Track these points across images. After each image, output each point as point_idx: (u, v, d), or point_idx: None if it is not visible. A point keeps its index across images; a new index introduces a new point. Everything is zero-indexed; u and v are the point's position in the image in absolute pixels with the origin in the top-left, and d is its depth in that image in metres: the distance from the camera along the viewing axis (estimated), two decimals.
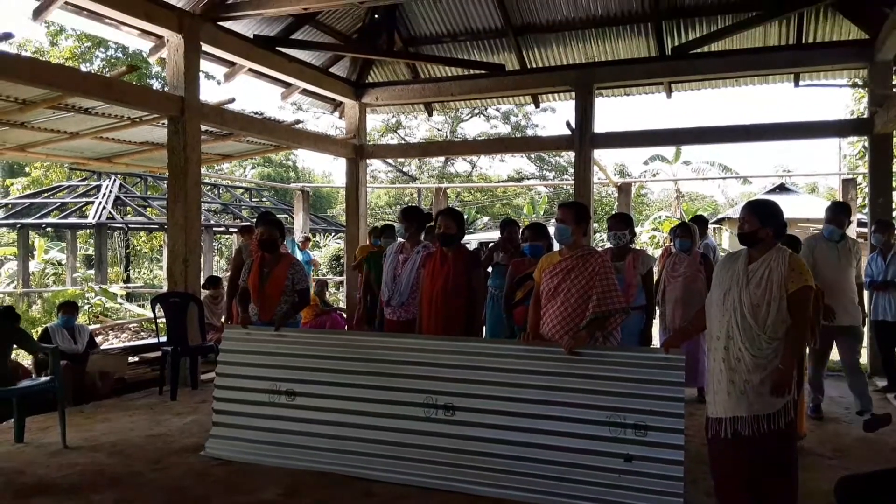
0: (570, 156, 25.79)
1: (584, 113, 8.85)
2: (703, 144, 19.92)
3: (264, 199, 21.99)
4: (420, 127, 30.07)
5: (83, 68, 18.67)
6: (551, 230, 4.77)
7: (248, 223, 7.78)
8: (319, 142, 9.88)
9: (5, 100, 6.38)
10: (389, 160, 29.25)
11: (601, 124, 9.09)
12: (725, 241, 24.80)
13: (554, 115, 30.13)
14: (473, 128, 34.18)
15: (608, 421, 3.67)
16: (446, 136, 29.49)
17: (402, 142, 27.59)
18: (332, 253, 21.14)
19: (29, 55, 10.72)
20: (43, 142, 7.94)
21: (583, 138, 8.82)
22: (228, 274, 6.60)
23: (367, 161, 10.56)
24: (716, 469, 3.27)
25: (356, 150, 10.24)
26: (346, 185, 10.49)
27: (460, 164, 31.27)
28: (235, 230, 6.56)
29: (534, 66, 9.50)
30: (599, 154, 9.52)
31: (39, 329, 7.10)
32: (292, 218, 15.02)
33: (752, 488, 3.10)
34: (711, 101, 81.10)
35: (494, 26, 9.34)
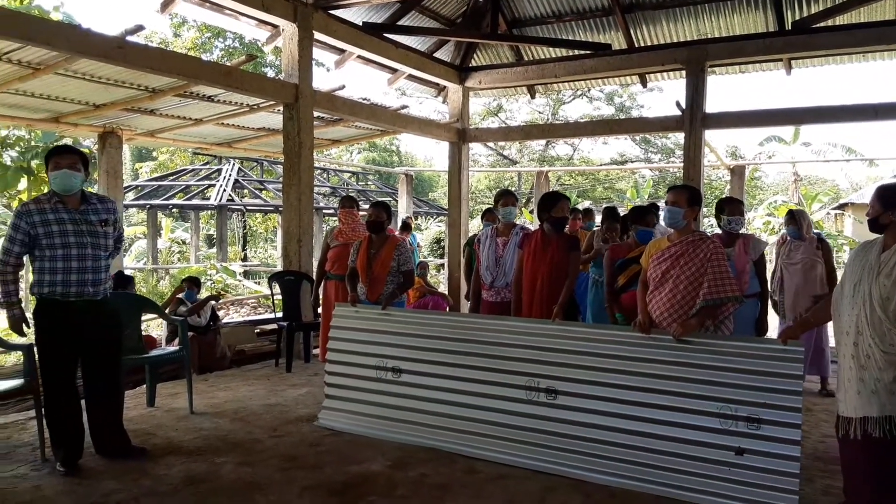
0: (677, 137, 24.86)
1: (696, 92, 8.51)
2: (824, 124, 18.59)
3: (370, 183, 22.56)
4: (521, 110, 29.80)
5: (204, 58, 19.77)
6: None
7: (350, 195, 8.03)
8: (424, 126, 10.03)
9: (137, 88, 6.89)
10: (490, 144, 29.22)
11: (712, 104, 8.68)
12: (848, 228, 23.18)
13: (661, 95, 29.12)
14: (575, 110, 33.53)
15: (718, 412, 3.56)
16: (548, 119, 29.10)
17: (504, 125, 27.45)
18: (434, 236, 21.46)
19: (156, 46, 11.45)
20: (170, 128, 8.53)
21: (693, 119, 8.49)
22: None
23: (469, 145, 10.63)
24: (846, 470, 3.11)
25: (459, 134, 10.33)
26: (449, 168, 10.61)
27: (561, 147, 30.76)
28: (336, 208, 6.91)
29: (642, 44, 9.21)
30: (710, 135, 9.11)
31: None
32: (396, 201, 15.37)
33: (884, 493, 2.92)
34: (834, 78, 75.46)
35: (601, 4, 9.12)
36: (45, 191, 4.22)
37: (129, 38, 5.64)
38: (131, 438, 4.18)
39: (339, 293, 6.10)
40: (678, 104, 8.59)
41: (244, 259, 18.49)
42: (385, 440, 4.39)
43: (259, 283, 15.29)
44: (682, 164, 8.83)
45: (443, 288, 11.42)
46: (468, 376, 4.31)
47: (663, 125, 9.50)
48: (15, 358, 7.13)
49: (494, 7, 9.30)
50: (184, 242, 19.45)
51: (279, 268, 15.60)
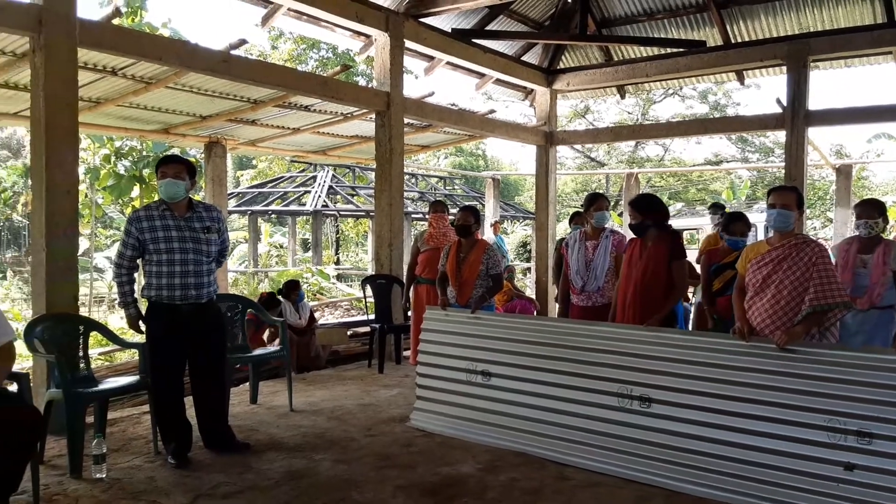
0: (776, 136, 23.70)
1: (797, 88, 8.11)
2: None
3: (456, 187, 22.75)
4: (609, 111, 29.26)
5: (299, 69, 20.52)
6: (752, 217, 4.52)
7: (440, 199, 8.16)
8: (511, 130, 10.04)
9: (240, 100, 7.25)
10: (577, 146, 28.83)
11: (814, 100, 8.25)
12: None
13: (758, 92, 27.67)
14: (667, 109, 32.51)
15: (826, 426, 3.39)
16: (637, 119, 28.42)
17: (591, 127, 27.02)
18: (520, 240, 21.39)
19: (255, 58, 11.97)
20: (270, 137, 8.92)
21: (795, 116, 8.10)
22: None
23: (556, 147, 10.56)
24: None
25: (546, 137, 10.27)
26: (536, 172, 10.56)
27: (651, 148, 29.96)
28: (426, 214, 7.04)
29: (739, 40, 8.87)
30: (812, 133, 8.66)
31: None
32: (483, 205, 15.43)
33: None
34: None
35: (694, 1, 8.85)
36: (156, 198, 4.51)
37: (233, 51, 5.95)
38: (236, 434, 4.39)
39: (430, 297, 6.19)
40: (779, 101, 8.23)
41: (337, 262, 19.08)
42: (475, 443, 4.43)
43: (351, 286, 15.72)
44: (782, 164, 8.46)
45: (529, 292, 11.38)
46: (558, 381, 4.28)
47: (762, 123, 9.11)
48: (129, 355, 7.63)
49: (583, 8, 9.20)
50: (281, 246, 20.28)
51: (370, 271, 15.92)
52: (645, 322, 4.28)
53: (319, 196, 16.34)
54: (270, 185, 18.86)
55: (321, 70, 20.76)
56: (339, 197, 17.71)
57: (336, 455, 4.23)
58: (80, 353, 4.27)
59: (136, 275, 4.22)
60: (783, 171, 8.35)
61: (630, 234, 4.81)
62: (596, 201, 5.28)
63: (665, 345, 3.97)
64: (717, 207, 7.79)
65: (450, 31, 8.39)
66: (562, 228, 15.55)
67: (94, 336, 5.97)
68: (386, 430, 4.76)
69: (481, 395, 4.59)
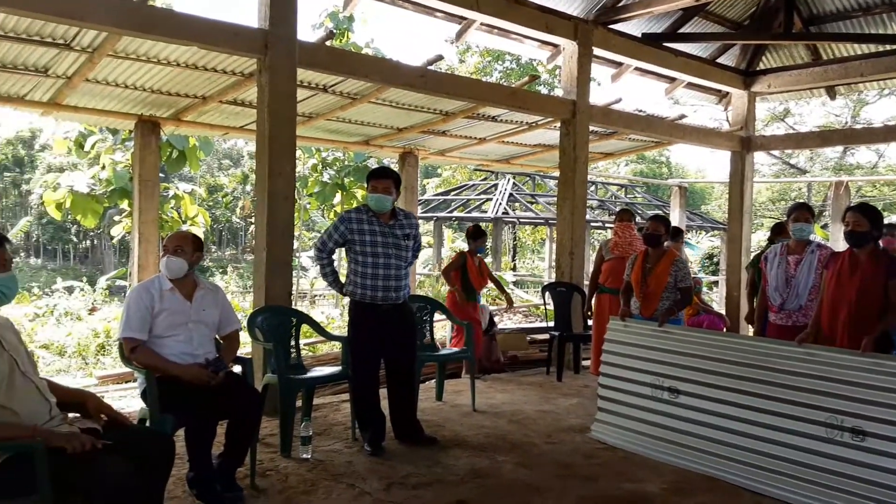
0: None
1: None
2: None
3: (637, 196, 22.06)
4: (812, 113, 26.78)
5: (484, 80, 21.07)
6: None
7: (627, 208, 7.97)
8: (703, 136, 9.58)
9: (432, 112, 7.63)
10: (775, 151, 26.68)
11: None
12: None
13: None
14: (881, 111, 29.12)
15: None
16: (846, 122, 25.71)
17: (791, 130, 24.90)
18: (706, 251, 20.23)
19: (444, 72, 12.48)
20: (458, 147, 9.28)
21: None
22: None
23: (753, 154, 9.90)
24: None
25: (743, 143, 9.67)
26: (730, 179, 9.96)
27: (862, 154, 26.96)
28: (611, 224, 6.83)
29: None
30: None
31: None
32: (666, 213, 14.82)
33: None
34: None
35: None
36: (354, 205, 4.89)
37: (429, 67, 6.29)
38: (424, 428, 4.64)
39: (612, 306, 6.10)
40: None
41: (514, 269, 19.31)
42: (660, 461, 4.30)
43: (528, 292, 15.83)
44: None
45: (715, 307, 10.74)
46: (754, 405, 4.03)
47: None
48: (329, 347, 8.31)
49: (788, 5, 8.54)
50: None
51: (547, 278, 15.90)
52: (862, 346, 3.90)
53: (500, 203, 16.66)
54: (454, 192, 19.55)
55: (505, 81, 21.14)
56: (517, 204, 17.91)
57: (517, 458, 4.32)
58: (293, 343, 4.74)
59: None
60: None
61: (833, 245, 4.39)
62: (795, 212, 4.90)
63: (883, 373, 3.60)
64: None
65: (640, 36, 8.19)
66: (756, 240, 14.49)
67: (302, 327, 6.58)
68: (566, 439, 4.77)
69: (668, 413, 4.44)
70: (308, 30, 17.82)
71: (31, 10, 4.30)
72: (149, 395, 3.31)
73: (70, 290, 12.53)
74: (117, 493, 2.35)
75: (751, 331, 6.13)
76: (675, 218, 13.02)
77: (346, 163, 12.94)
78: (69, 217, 12.82)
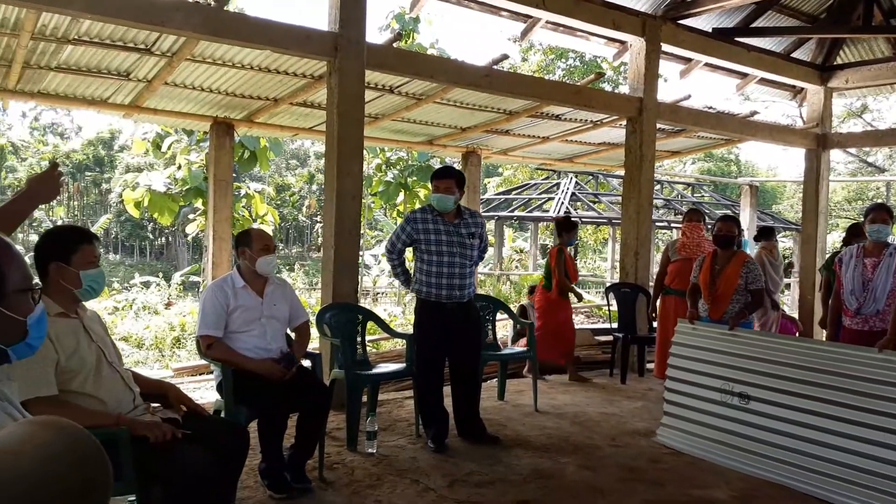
0: None
1: None
2: None
3: (705, 195, 21.49)
4: (892, 109, 25.63)
5: (547, 79, 20.92)
6: None
7: (696, 208, 7.76)
8: (776, 133, 9.25)
9: (496, 111, 7.63)
10: (851, 149, 25.51)
11: None
12: None
13: None
14: None
15: None
16: None
17: (869, 127, 23.75)
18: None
19: (507, 71, 12.42)
20: (521, 146, 9.26)
21: None
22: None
23: (829, 151, 9.51)
24: None
25: (818, 140, 9.30)
26: (805, 178, 9.61)
27: None
28: (677, 224, 6.59)
29: None
30: None
31: (516, 305, 8.31)
32: (735, 213, 14.38)
33: None
34: None
35: None
36: (417, 204, 4.96)
37: (494, 66, 6.30)
38: (486, 427, 4.66)
39: (678, 308, 5.97)
40: None
41: None
42: (728, 468, 4.19)
43: (589, 293, 15.63)
44: None
45: (787, 310, 10.35)
46: (828, 412, 3.88)
47: None
48: (391, 344, 8.43)
49: None
50: (522, 251, 20.86)
51: (609, 279, 15.67)
52: None
53: (562, 203, 16.52)
54: (515, 191, 19.50)
55: (568, 79, 20.93)
56: (580, 203, 17.72)
57: (581, 460, 4.29)
58: (358, 340, 4.83)
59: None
60: None
61: None
62: (872, 212, 4.69)
63: None
64: None
65: (710, 31, 7.98)
66: (830, 241, 13.91)
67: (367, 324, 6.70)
68: (631, 443, 4.70)
69: (737, 419, 4.32)
70: (375, 32, 18.09)
71: (116, 16, 4.52)
72: (224, 388, 3.45)
73: (147, 285, 13.12)
74: (196, 481, 2.46)
75: (824, 335, 5.91)
76: (746, 218, 12.63)
77: (410, 162, 13.09)
78: (146, 215, 13.40)
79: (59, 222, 33.63)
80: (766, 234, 7.34)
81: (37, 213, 31.39)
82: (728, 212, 17.08)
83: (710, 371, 4.55)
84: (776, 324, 7.08)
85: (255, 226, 10.82)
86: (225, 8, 5.02)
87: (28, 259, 1.69)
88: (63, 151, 38.31)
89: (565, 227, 6.55)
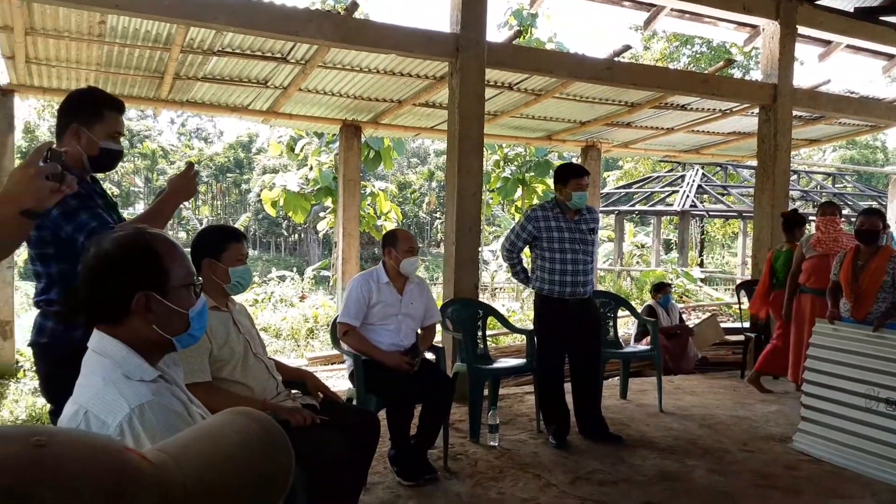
0: None
1: None
2: None
3: (847, 185, 19.90)
4: None
5: (671, 67, 20.15)
6: None
7: (831, 200, 7.22)
8: None
9: (617, 104, 7.48)
10: None
11: None
12: None
13: None
14: None
15: None
16: None
17: None
18: None
19: (629, 61, 12.11)
20: (643, 138, 9.02)
21: None
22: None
23: None
24: None
25: None
26: None
27: None
28: (814, 217, 6.05)
29: None
30: None
31: (637, 303, 8.12)
32: (882, 206, 13.25)
33: None
34: None
35: None
36: (535, 200, 4.95)
37: (615, 58, 6.18)
38: (609, 425, 4.61)
39: (814, 308, 5.59)
40: None
41: (700, 265, 18.31)
42: (873, 478, 3.92)
43: (717, 290, 14.94)
44: None
45: None
46: None
47: None
48: (510, 339, 8.49)
49: None
50: (643, 246, 20.24)
51: (739, 275, 14.93)
52: None
53: (688, 196, 15.88)
54: (637, 185, 18.94)
55: (693, 66, 20.06)
56: (706, 196, 16.95)
57: (710, 464, 4.15)
58: (479, 334, 4.92)
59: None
60: None
61: None
62: None
63: None
64: None
65: (852, 10, 7.40)
66: None
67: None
68: (764, 448, 4.49)
69: (884, 427, 4.02)
70: (493, 29, 18.17)
71: (255, 28, 4.86)
72: (356, 377, 3.64)
73: (282, 278, 13.94)
74: (334, 463, 2.63)
75: None
76: (893, 211, 11.59)
77: (528, 158, 13.08)
78: (281, 213, 14.24)
79: (205, 221, 36.37)
80: None
81: (184, 212, 34.10)
82: (873, 203, 15.78)
83: (852, 375, 4.27)
84: None
85: (378, 223, 11.23)
86: (353, 16, 5.26)
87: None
88: (207, 155, 41.38)
89: (795, 222, 6.13)
